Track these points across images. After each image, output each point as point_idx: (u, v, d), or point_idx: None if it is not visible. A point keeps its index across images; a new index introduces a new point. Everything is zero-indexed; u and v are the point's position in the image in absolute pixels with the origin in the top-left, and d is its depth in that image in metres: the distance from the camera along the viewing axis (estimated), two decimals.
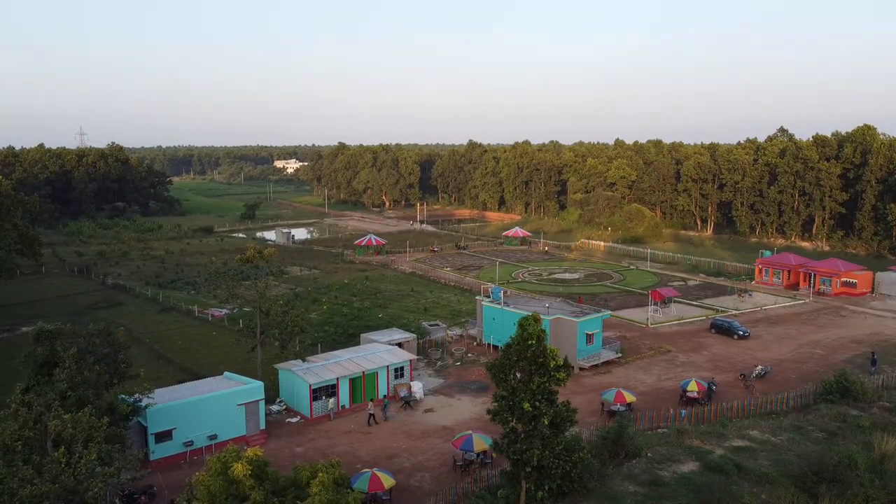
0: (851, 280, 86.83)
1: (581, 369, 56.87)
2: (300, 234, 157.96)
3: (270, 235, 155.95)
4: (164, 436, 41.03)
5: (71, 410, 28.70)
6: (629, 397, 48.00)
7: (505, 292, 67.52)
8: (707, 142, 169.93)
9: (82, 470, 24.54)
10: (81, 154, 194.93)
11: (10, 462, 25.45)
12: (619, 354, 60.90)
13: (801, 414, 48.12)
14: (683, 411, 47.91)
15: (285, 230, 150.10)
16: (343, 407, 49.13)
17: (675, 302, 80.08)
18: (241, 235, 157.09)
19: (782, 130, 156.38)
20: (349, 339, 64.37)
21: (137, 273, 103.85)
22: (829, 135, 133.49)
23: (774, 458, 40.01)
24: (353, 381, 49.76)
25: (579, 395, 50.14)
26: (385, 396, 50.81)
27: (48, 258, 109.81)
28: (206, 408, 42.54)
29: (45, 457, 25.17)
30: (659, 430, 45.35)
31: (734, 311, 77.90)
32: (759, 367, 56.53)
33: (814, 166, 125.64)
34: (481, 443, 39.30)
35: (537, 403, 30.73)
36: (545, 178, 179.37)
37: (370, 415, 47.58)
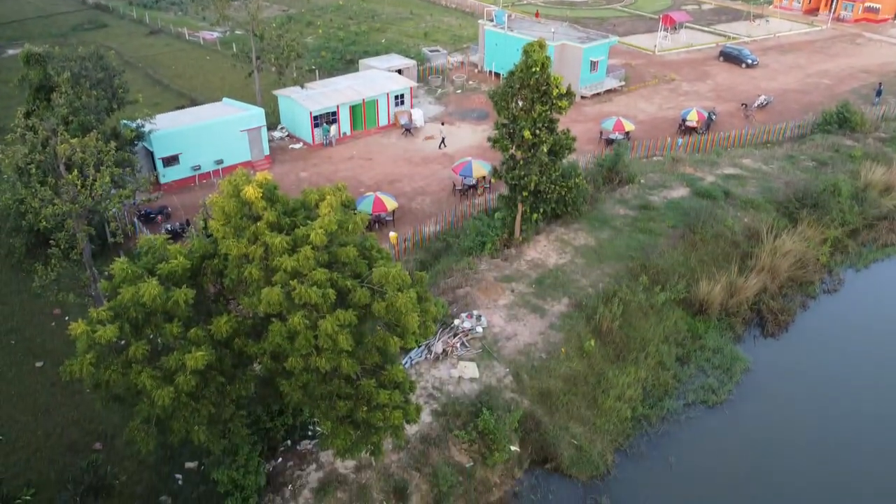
0: (875, 5, 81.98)
1: (583, 97, 56.38)
2: None
3: None
4: (171, 160, 42.02)
5: (76, 135, 28.97)
6: (628, 126, 48.25)
7: (509, 16, 64.13)
8: None
9: (98, 191, 25.46)
10: None
11: (27, 184, 26.30)
12: (623, 83, 59.88)
13: (796, 144, 48.87)
14: (680, 140, 48.58)
15: None
16: (344, 134, 49.60)
17: (685, 27, 76.54)
18: None
19: None
20: (347, 65, 62.68)
21: None
22: None
23: (763, 185, 41.61)
24: (354, 108, 49.59)
25: (579, 123, 50.37)
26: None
27: None
28: (210, 134, 42.94)
29: (59, 179, 25.92)
30: (654, 158, 46.43)
31: (746, 39, 74.87)
32: (762, 97, 55.97)
33: None
34: (480, 169, 40.47)
35: (538, 131, 30.96)
36: None
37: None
